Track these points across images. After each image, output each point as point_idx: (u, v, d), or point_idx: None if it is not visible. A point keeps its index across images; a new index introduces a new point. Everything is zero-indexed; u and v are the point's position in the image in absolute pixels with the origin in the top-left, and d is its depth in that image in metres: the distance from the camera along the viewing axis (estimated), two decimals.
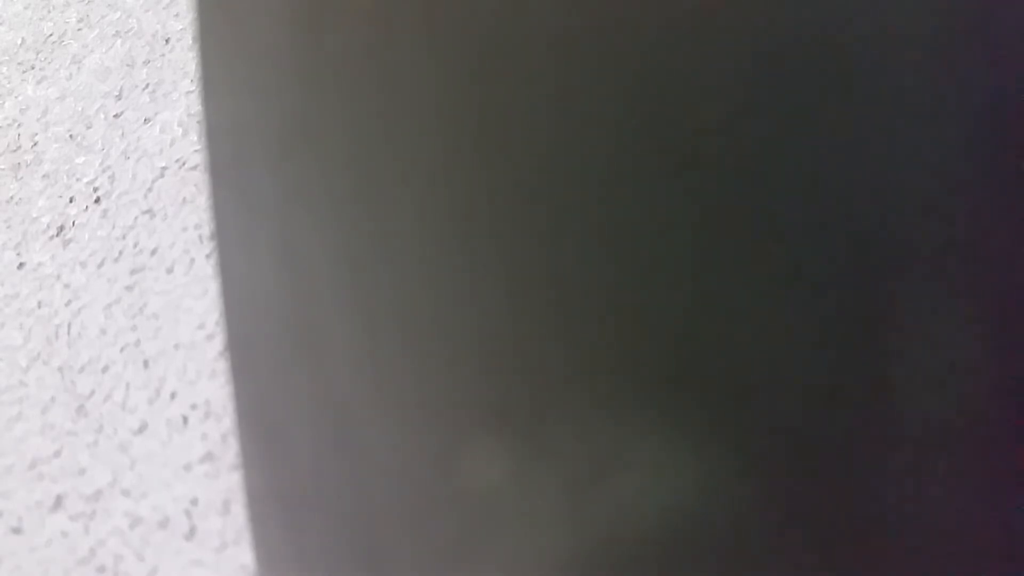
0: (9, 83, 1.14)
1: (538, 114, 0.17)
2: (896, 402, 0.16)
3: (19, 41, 1.18)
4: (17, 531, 0.76)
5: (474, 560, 0.18)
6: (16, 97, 1.12)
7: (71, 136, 1.03)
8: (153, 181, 0.93)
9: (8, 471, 0.80)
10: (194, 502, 0.72)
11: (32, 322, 0.89)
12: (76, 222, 0.95)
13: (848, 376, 0.16)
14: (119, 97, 1.03)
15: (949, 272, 0.16)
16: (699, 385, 0.16)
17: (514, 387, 0.17)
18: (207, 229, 0.86)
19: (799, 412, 0.16)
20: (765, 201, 0.16)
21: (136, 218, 0.91)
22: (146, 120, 0.99)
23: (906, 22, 0.16)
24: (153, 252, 0.88)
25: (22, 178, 1.02)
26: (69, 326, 0.87)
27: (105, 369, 0.82)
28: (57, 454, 0.79)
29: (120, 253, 0.89)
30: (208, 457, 0.73)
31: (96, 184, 0.97)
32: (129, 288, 0.86)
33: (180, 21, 1.06)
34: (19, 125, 1.08)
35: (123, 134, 0.99)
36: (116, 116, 1.02)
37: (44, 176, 1.01)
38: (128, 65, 1.05)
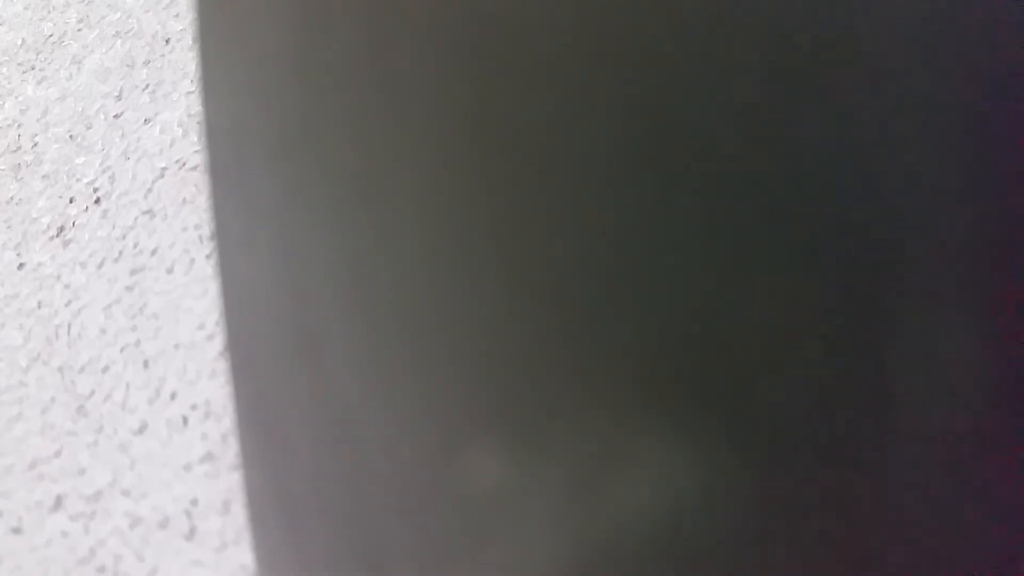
0: (9, 83, 1.14)
1: (538, 114, 0.17)
2: (897, 402, 0.16)
3: (19, 41, 1.18)
4: (17, 531, 0.76)
5: (474, 560, 0.18)
6: (16, 97, 1.12)
7: (71, 136, 1.03)
8: (153, 181, 0.93)
9: (8, 471, 0.80)
10: (194, 502, 0.72)
11: (32, 322, 0.89)
12: (76, 222, 0.95)
13: (849, 376, 0.16)
14: (119, 97, 1.03)
15: (950, 272, 0.16)
16: (700, 385, 0.16)
17: (514, 387, 0.17)
18: (207, 229, 0.86)
19: (800, 412, 0.16)
20: (766, 201, 0.16)
21: (136, 218, 0.91)
22: (146, 120, 0.99)
23: (907, 22, 0.16)
24: (153, 252, 0.88)
25: (22, 178, 1.02)
26: (69, 326, 0.87)
27: (105, 369, 0.82)
28: (57, 454, 0.79)
29: (120, 253, 0.89)
30: (208, 457, 0.73)
31: (96, 184, 0.97)
32: (129, 288, 0.86)
33: (180, 21, 1.06)
34: (19, 125, 1.08)
35: (123, 134, 0.99)
36: (116, 116, 1.02)
37: (44, 176, 1.01)
38: (128, 65, 1.05)
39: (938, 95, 0.16)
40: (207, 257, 0.85)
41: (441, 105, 0.18)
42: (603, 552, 0.17)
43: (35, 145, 1.05)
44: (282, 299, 0.20)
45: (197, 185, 0.90)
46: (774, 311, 0.16)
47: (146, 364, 0.81)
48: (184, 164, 0.93)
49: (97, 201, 0.95)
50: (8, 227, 0.98)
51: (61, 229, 0.95)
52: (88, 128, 1.03)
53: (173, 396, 0.78)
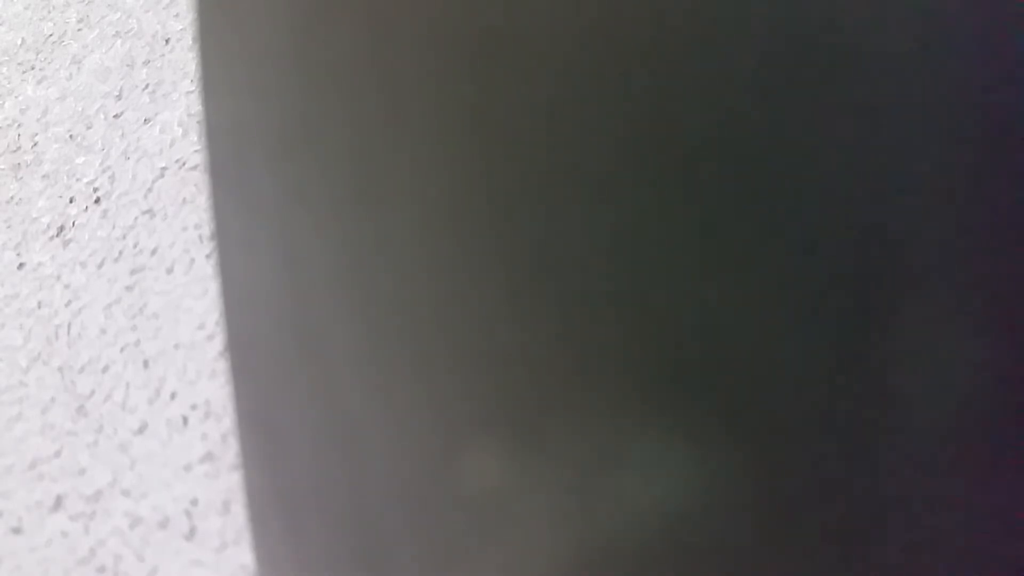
0: (9, 83, 1.14)
1: (539, 113, 0.17)
2: (897, 402, 0.16)
3: (19, 41, 1.18)
4: (17, 531, 0.76)
5: (474, 560, 0.18)
6: (16, 97, 1.12)
7: (71, 136, 1.03)
8: (153, 181, 0.93)
9: (8, 471, 0.80)
10: (194, 502, 0.72)
11: (32, 322, 0.89)
12: (76, 222, 0.95)
13: (849, 376, 0.16)
14: (119, 97, 1.03)
15: (951, 272, 0.16)
16: (700, 385, 0.16)
17: (514, 387, 0.17)
18: (207, 229, 0.86)
19: (800, 412, 0.16)
20: (766, 201, 0.16)
21: (136, 218, 0.91)
22: (146, 120, 0.99)
23: (907, 22, 0.16)
24: (153, 252, 0.88)
25: (22, 178, 1.02)
26: (69, 326, 0.87)
27: (105, 369, 0.82)
28: (57, 454, 0.79)
29: (120, 253, 0.89)
30: (208, 457, 0.73)
31: (96, 184, 0.97)
32: (129, 288, 0.86)
33: (180, 21, 1.06)
34: (19, 125, 1.08)
35: (123, 134, 0.99)
36: (116, 116, 1.02)
37: (44, 176, 1.01)
38: (128, 65, 1.05)
39: (938, 95, 0.17)
40: (207, 257, 0.85)
41: (441, 105, 0.18)
42: (603, 552, 0.17)
43: (35, 145, 1.05)
44: (282, 299, 0.20)
45: (197, 185, 0.90)
46: (774, 311, 0.16)
47: (146, 364, 0.81)
48: (184, 164, 0.93)
49: (97, 201, 0.95)
50: (8, 227, 0.98)
51: (61, 229, 0.95)
52: (88, 128, 1.03)
53: (173, 396, 0.78)
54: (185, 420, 0.76)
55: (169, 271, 0.85)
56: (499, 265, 0.17)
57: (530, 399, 0.17)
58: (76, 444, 0.79)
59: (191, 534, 0.70)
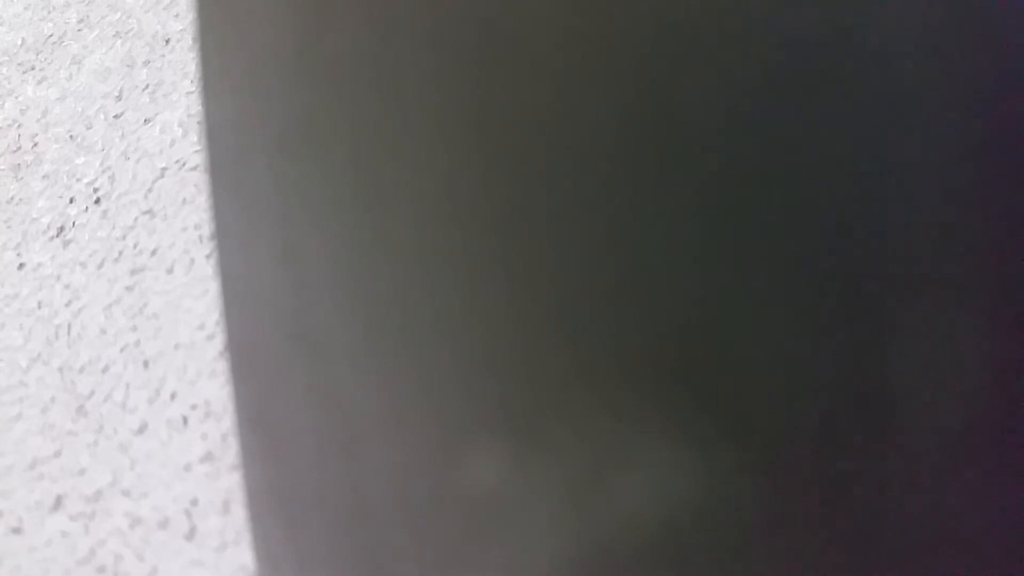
0: (9, 83, 1.14)
1: (539, 113, 0.17)
2: (898, 401, 0.16)
3: (19, 41, 1.18)
4: (17, 531, 0.76)
5: (474, 560, 0.18)
6: (16, 97, 1.12)
7: (71, 136, 1.03)
8: (153, 181, 0.93)
9: (8, 471, 0.80)
10: (194, 502, 0.71)
11: (32, 322, 0.89)
12: (76, 222, 0.95)
13: (849, 376, 0.16)
14: (119, 98, 1.03)
15: (952, 271, 0.16)
16: (700, 385, 0.16)
17: (514, 387, 0.17)
18: (207, 229, 0.86)
19: (800, 412, 0.16)
20: (766, 201, 0.16)
21: (136, 218, 0.91)
22: (146, 121, 0.99)
23: (908, 23, 0.16)
24: (153, 252, 0.88)
25: (22, 178, 1.02)
26: (69, 326, 0.87)
27: (105, 369, 0.82)
28: (57, 454, 0.79)
29: (120, 253, 0.89)
30: (208, 457, 0.73)
31: (96, 184, 0.97)
32: (129, 288, 0.86)
33: (180, 21, 1.06)
34: (19, 125, 1.08)
35: (123, 135, 0.99)
36: (116, 117, 1.02)
37: (44, 176, 1.01)
38: (128, 66, 1.05)
39: (939, 95, 0.16)
40: (207, 257, 0.85)
41: (441, 104, 0.18)
42: (603, 552, 0.17)
43: (35, 145, 1.05)
44: (282, 299, 0.20)
45: (197, 185, 0.90)
46: (774, 311, 0.16)
47: (146, 364, 0.81)
48: (184, 164, 0.93)
49: (97, 201, 0.95)
50: (8, 227, 0.98)
51: (61, 229, 0.95)
52: (88, 128, 1.03)
53: (173, 396, 0.78)
54: (185, 420, 0.76)
55: (169, 271, 0.85)
56: (499, 265, 0.17)
57: (530, 399, 0.17)
58: (76, 444, 0.79)
59: (191, 534, 0.70)
